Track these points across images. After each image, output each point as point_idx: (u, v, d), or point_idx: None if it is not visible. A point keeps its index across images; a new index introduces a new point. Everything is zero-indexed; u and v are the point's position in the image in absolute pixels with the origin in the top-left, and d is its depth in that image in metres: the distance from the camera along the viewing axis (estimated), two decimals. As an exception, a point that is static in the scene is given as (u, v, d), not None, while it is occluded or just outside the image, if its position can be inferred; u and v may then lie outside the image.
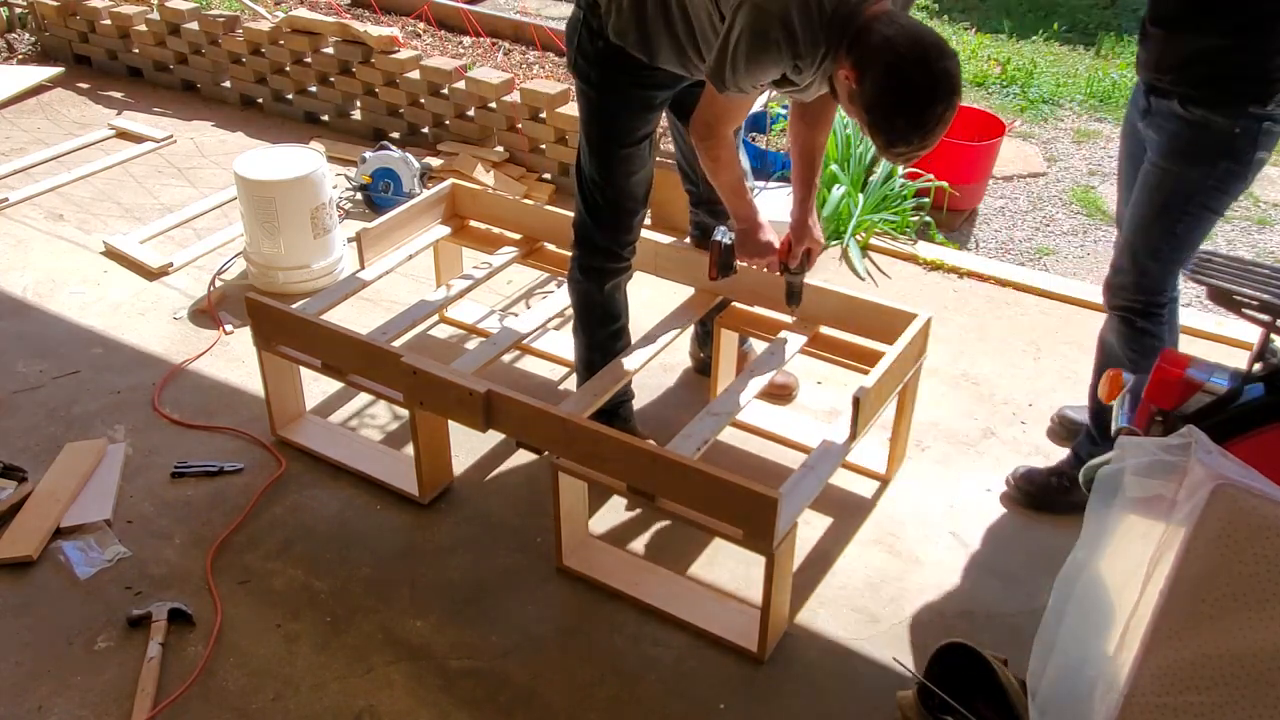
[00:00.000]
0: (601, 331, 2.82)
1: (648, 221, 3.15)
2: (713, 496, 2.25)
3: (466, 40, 5.80)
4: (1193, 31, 2.30)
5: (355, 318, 3.46)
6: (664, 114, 2.66)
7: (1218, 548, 1.59)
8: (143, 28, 5.19)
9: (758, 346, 3.15)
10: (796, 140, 2.55)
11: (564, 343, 3.30)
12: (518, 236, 3.35)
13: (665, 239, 3.11)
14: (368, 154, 4.20)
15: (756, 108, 4.01)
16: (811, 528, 2.74)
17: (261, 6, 5.53)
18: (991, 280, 3.80)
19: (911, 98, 1.99)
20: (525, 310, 3.55)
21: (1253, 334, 2.01)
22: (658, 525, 2.74)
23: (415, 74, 4.55)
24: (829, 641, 2.45)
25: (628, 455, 2.33)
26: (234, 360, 3.35)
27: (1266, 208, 4.42)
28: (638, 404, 3.04)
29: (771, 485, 2.26)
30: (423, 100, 4.58)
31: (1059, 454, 2.96)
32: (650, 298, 3.42)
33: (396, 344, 2.80)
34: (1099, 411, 2.69)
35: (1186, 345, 3.12)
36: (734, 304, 3.01)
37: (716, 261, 2.62)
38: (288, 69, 4.89)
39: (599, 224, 2.67)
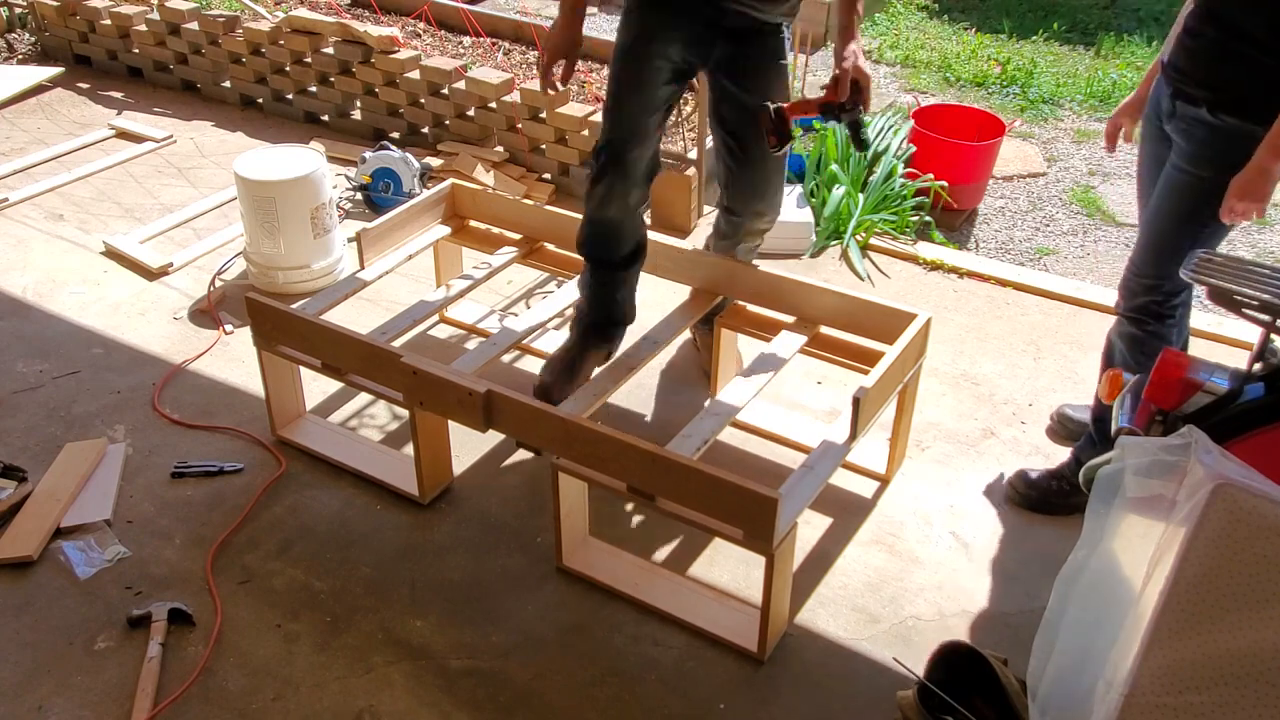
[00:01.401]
0: (616, 253, 2.87)
1: (648, 221, 3.15)
2: (713, 497, 2.25)
3: (466, 40, 5.80)
4: (1236, 37, 2.23)
5: (355, 318, 3.46)
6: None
7: (1218, 548, 1.59)
8: (143, 28, 5.19)
9: (757, 347, 3.14)
10: None
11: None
12: (518, 236, 3.35)
13: (665, 239, 3.11)
14: (368, 154, 4.20)
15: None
16: (811, 528, 2.74)
17: (261, 6, 5.53)
18: (991, 280, 3.80)
19: None
20: (525, 310, 3.55)
21: (1253, 334, 2.01)
22: (658, 525, 2.74)
23: (415, 74, 4.55)
24: (829, 641, 2.45)
25: (628, 455, 2.33)
26: (234, 360, 3.35)
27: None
28: (638, 404, 3.04)
29: (771, 485, 2.26)
30: (423, 100, 4.58)
31: (1059, 454, 2.96)
32: (650, 298, 3.42)
33: (396, 344, 2.80)
34: (1100, 417, 2.68)
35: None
36: (734, 304, 3.01)
37: (773, 130, 2.57)
38: (288, 69, 4.88)
39: (607, 121, 2.73)
